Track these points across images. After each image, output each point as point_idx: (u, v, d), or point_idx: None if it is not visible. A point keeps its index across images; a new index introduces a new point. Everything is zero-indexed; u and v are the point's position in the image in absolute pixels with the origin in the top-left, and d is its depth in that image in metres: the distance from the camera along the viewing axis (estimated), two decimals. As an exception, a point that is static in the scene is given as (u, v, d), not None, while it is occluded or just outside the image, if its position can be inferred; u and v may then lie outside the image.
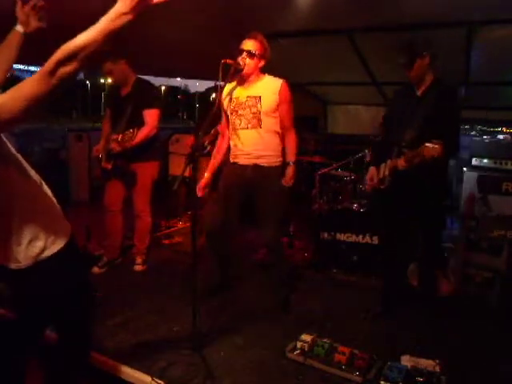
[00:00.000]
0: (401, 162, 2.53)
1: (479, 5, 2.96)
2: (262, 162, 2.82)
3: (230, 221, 2.97)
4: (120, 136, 3.17)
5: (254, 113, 2.75)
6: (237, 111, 2.80)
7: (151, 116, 3.33)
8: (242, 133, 2.82)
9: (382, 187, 2.75)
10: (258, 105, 2.74)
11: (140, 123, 3.29)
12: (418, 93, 2.65)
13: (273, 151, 2.83)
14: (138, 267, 3.64)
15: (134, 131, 3.12)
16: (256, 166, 2.82)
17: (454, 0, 2.99)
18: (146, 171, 3.48)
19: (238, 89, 2.82)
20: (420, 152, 2.31)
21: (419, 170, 2.46)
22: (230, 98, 2.83)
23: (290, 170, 2.81)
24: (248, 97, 2.77)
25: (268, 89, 2.75)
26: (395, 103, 2.88)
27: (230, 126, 2.87)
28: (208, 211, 3.07)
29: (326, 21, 3.59)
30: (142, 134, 3.24)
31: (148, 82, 3.51)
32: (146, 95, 3.39)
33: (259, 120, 2.76)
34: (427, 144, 2.27)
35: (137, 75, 3.47)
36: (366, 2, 3.14)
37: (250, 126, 2.78)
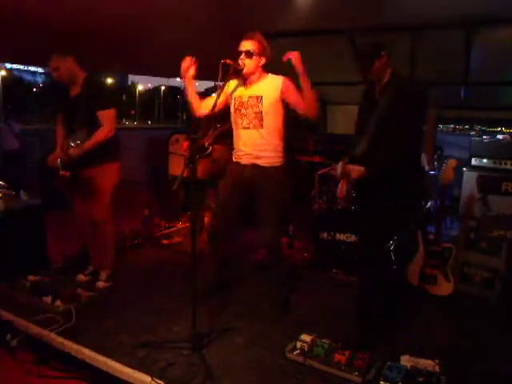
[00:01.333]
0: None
1: (479, 5, 2.96)
2: (262, 162, 2.82)
3: (231, 220, 2.98)
4: (74, 143, 2.96)
5: (256, 112, 2.76)
6: (239, 110, 2.81)
7: (107, 117, 3.07)
8: (243, 132, 2.83)
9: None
10: (260, 105, 2.74)
11: (96, 125, 3.05)
12: (377, 94, 2.57)
13: (273, 152, 2.83)
14: (100, 284, 3.25)
15: (83, 132, 2.92)
16: (256, 166, 2.83)
17: (453, 0, 3.00)
18: (106, 174, 3.19)
19: (241, 88, 2.83)
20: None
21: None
22: (234, 97, 2.83)
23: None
24: (250, 97, 2.77)
25: (270, 88, 2.75)
26: (360, 107, 2.77)
27: (234, 125, 2.88)
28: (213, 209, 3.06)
29: (326, 21, 3.60)
30: (98, 136, 3.02)
31: (99, 81, 3.28)
32: (99, 95, 3.11)
33: (261, 120, 2.76)
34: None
35: (86, 73, 3.14)
36: (366, 2, 3.15)
37: (251, 125, 2.79)
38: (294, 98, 2.74)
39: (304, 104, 2.72)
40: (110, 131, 3.08)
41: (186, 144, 4.31)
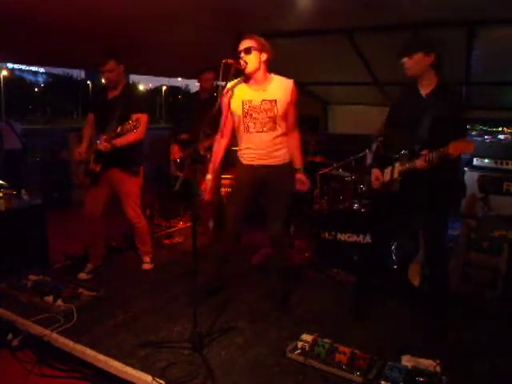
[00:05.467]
0: (421, 163, 2.48)
1: (479, 5, 2.96)
2: (276, 161, 2.84)
3: (242, 221, 2.99)
4: (119, 128, 3.08)
5: (271, 116, 2.74)
6: (251, 114, 2.77)
7: (141, 121, 3.20)
8: (256, 136, 2.80)
9: (392, 189, 2.72)
10: (275, 108, 2.73)
11: None
12: (424, 93, 2.60)
13: (285, 150, 2.86)
14: (146, 266, 3.71)
15: (134, 122, 3.05)
16: (269, 166, 2.84)
17: (454, 0, 2.99)
18: (134, 178, 3.45)
19: (248, 90, 2.77)
20: (446, 150, 2.30)
21: (432, 172, 2.46)
22: (242, 100, 2.77)
23: (302, 176, 2.88)
24: (263, 100, 2.74)
25: (281, 91, 2.74)
26: (401, 104, 2.81)
27: (242, 128, 2.83)
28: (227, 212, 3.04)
29: (326, 21, 3.60)
30: (130, 137, 3.19)
31: (137, 88, 3.52)
32: (136, 99, 3.40)
33: (275, 123, 2.76)
34: (456, 141, 2.27)
35: (126, 81, 3.49)
36: (366, 1, 3.14)
37: (265, 129, 2.77)
38: (291, 111, 2.80)
39: (291, 124, 2.84)
40: (140, 135, 3.28)
41: (176, 148, 4.13)
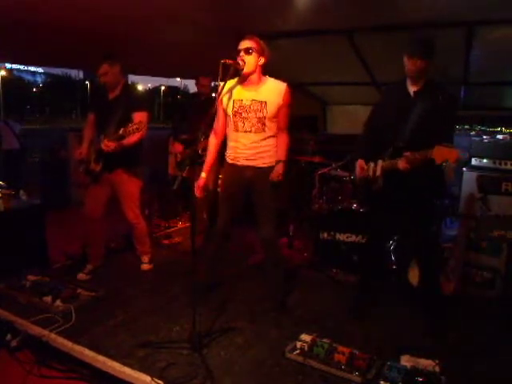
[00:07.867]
0: (402, 164, 2.48)
1: (479, 5, 2.96)
2: (262, 163, 2.83)
3: (230, 220, 2.99)
4: (121, 129, 3.05)
5: (260, 117, 2.75)
6: (240, 113, 2.78)
7: (142, 118, 3.24)
8: (244, 135, 2.81)
9: (374, 188, 2.74)
10: (264, 110, 2.74)
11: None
12: (412, 92, 2.63)
13: (273, 152, 2.85)
14: (145, 266, 3.72)
15: (136, 124, 3.04)
16: (255, 168, 2.84)
17: (453, 0, 2.99)
18: (135, 177, 3.46)
19: (241, 90, 2.79)
20: (428, 155, 2.29)
21: (415, 170, 2.46)
22: (233, 99, 2.79)
23: (279, 167, 2.81)
24: (253, 100, 2.75)
25: (273, 93, 2.75)
26: (386, 103, 2.83)
27: (231, 127, 2.85)
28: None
29: (325, 21, 3.59)
30: (134, 138, 3.19)
31: (135, 87, 3.52)
32: (136, 98, 3.44)
33: (264, 124, 2.77)
34: (439, 146, 2.25)
35: (125, 80, 3.49)
36: (366, 1, 3.14)
37: (253, 129, 2.78)
38: (282, 114, 2.80)
39: (281, 128, 2.83)
40: (143, 133, 3.24)
41: (180, 147, 4.27)
